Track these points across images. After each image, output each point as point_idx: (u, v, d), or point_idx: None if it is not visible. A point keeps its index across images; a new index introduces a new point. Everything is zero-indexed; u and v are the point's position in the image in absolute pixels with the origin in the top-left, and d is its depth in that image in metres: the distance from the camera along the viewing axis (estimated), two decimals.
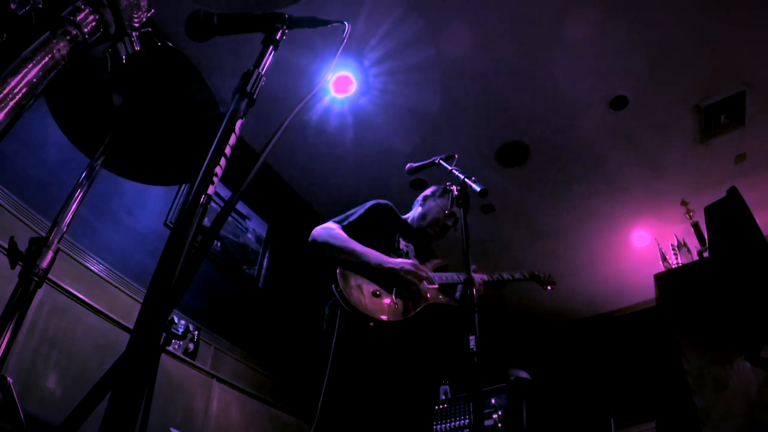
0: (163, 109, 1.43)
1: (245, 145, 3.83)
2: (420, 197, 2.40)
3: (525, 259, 5.12)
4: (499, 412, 3.07)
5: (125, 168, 1.54)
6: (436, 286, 2.02)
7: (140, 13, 0.89)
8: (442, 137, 3.97)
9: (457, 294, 2.05)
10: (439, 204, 2.28)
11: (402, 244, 2.12)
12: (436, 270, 2.10)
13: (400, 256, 2.02)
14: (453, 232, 2.26)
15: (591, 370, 5.39)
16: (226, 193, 3.46)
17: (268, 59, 0.98)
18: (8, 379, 1.01)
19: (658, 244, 4.07)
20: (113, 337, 2.49)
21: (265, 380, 3.55)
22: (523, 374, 3.61)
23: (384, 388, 1.81)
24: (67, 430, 0.90)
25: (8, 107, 0.65)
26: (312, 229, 1.99)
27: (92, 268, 2.58)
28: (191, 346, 2.99)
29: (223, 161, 0.80)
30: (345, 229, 1.98)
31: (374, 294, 1.85)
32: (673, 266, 3.70)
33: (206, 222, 0.87)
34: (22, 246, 1.10)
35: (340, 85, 3.63)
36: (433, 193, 2.35)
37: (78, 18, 0.77)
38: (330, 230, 1.96)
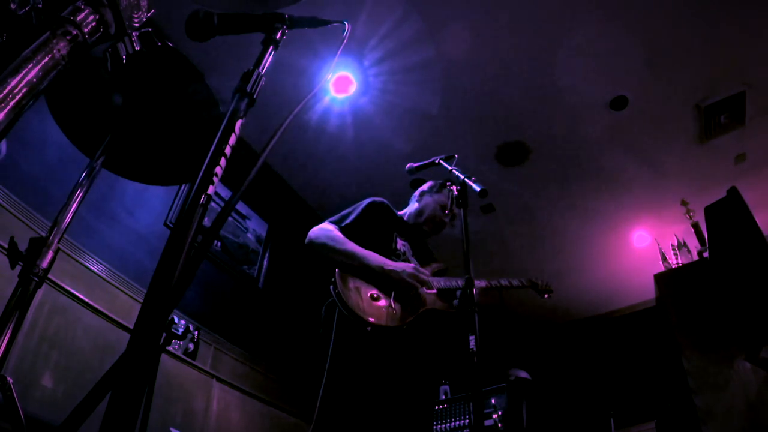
0: (163, 109, 1.43)
1: (245, 145, 3.83)
2: (416, 193, 2.38)
3: (525, 259, 5.12)
4: (499, 412, 3.07)
5: (125, 168, 1.54)
6: (435, 291, 2.00)
7: (140, 13, 0.89)
8: (442, 137, 3.97)
9: (455, 302, 2.03)
10: (435, 200, 2.26)
11: (399, 243, 2.11)
12: (434, 274, 2.09)
13: (397, 256, 2.02)
14: (452, 232, 2.26)
15: (591, 370, 5.39)
16: (226, 193, 3.46)
17: (268, 59, 0.98)
18: (8, 379, 1.01)
19: (658, 244, 4.08)
20: (113, 337, 2.49)
21: (265, 380, 3.55)
22: (523, 374, 3.62)
23: (381, 391, 1.80)
24: (67, 430, 0.90)
25: (8, 107, 0.65)
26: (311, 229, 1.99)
27: (92, 268, 2.58)
28: (191, 346, 2.98)
29: (223, 161, 0.80)
30: (342, 230, 1.95)
31: (372, 297, 1.83)
32: (673, 266, 3.70)
33: (206, 222, 0.88)
34: (22, 246, 1.10)
35: (340, 85, 3.63)
36: (430, 189, 2.33)
37: (78, 18, 0.77)
38: (328, 231, 1.93)
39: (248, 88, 0.90)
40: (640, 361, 5.05)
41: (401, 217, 2.27)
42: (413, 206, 2.32)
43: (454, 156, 1.99)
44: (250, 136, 3.80)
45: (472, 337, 1.36)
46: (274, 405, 3.52)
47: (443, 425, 3.30)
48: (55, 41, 0.73)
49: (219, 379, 3.12)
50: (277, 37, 1.01)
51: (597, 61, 3.40)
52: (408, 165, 2.16)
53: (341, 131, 3.99)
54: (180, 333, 2.78)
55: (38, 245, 1.10)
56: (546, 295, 2.36)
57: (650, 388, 4.68)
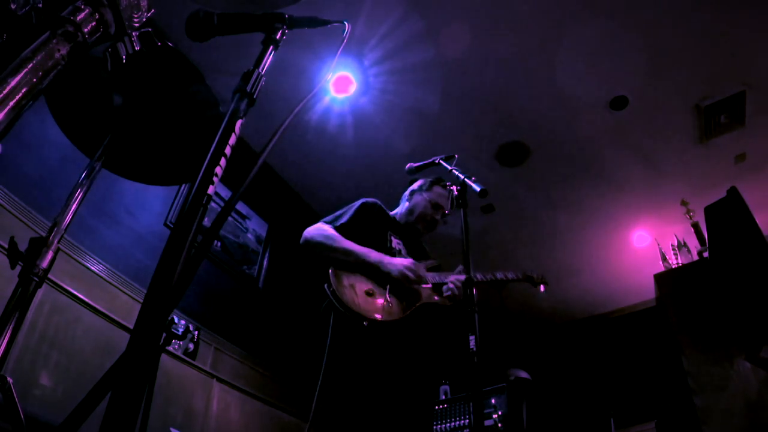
0: (163, 109, 1.43)
1: (245, 145, 3.83)
2: (407, 192, 2.38)
3: (525, 259, 5.12)
4: (499, 412, 3.07)
5: (125, 168, 1.54)
6: (430, 285, 2.02)
7: (140, 13, 0.89)
8: (442, 137, 3.97)
9: (446, 293, 2.05)
10: (425, 198, 2.26)
11: (394, 242, 2.12)
12: (429, 270, 2.11)
13: (393, 255, 2.03)
14: (452, 232, 2.26)
15: (591, 370, 5.39)
16: (226, 193, 3.46)
17: (268, 59, 0.98)
18: (8, 379, 1.01)
19: (658, 244, 4.08)
20: (113, 337, 2.49)
21: (265, 380, 3.55)
22: (523, 374, 3.62)
23: (379, 387, 1.81)
24: (67, 430, 0.90)
25: (8, 107, 0.65)
26: None
27: (92, 268, 2.58)
28: (191, 346, 2.98)
29: (223, 161, 0.80)
30: (337, 230, 1.97)
31: (368, 293, 1.84)
32: (673, 266, 3.70)
33: (206, 222, 0.88)
34: (22, 246, 1.10)
35: (340, 85, 3.63)
36: (420, 188, 2.32)
37: (78, 18, 0.77)
38: (323, 230, 1.95)
39: (248, 88, 0.90)
40: (640, 361, 5.05)
41: (393, 217, 2.28)
42: (404, 205, 2.32)
43: (454, 156, 1.99)
44: (250, 136, 3.80)
45: (472, 337, 1.36)
46: (274, 405, 3.52)
47: (443, 425, 3.30)
48: (54, 41, 0.73)
49: (219, 379, 3.12)
50: (277, 37, 1.02)
51: (597, 61, 3.40)
52: (408, 165, 2.16)
53: (341, 131, 3.99)
54: (180, 333, 2.78)
55: (38, 245, 1.10)
56: (542, 287, 2.34)
57: (650, 388, 4.68)
